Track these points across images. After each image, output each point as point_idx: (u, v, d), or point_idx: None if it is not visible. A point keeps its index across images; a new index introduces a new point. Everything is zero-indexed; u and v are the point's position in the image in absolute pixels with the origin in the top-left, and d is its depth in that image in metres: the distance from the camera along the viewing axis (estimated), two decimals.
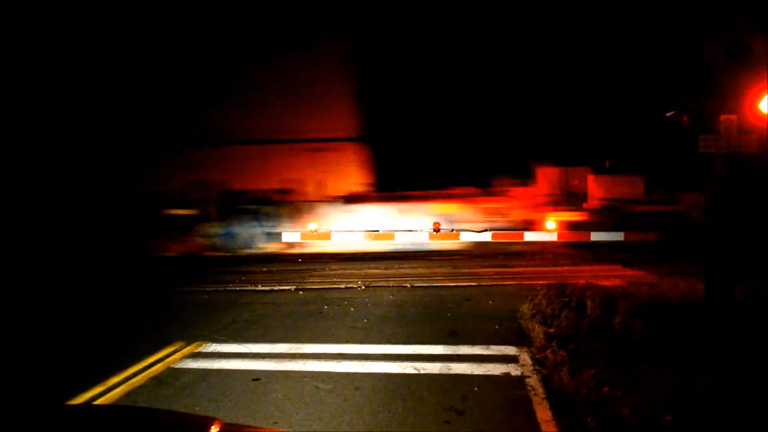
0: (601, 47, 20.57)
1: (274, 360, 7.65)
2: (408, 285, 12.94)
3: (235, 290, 13.16)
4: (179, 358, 7.92)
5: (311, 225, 15.71)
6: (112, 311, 11.55)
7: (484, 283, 12.85)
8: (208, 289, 13.29)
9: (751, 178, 9.83)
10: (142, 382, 7.01)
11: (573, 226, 15.33)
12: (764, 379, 6.02)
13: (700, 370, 6.37)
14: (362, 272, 15.27)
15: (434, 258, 17.50)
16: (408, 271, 15.33)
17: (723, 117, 8.94)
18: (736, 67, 8.94)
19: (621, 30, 19.94)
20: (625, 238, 13.97)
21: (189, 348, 8.36)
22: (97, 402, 6.36)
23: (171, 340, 8.74)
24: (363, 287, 12.88)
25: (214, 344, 8.53)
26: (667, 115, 9.85)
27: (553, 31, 21.20)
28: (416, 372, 6.93)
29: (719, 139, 8.94)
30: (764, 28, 8.95)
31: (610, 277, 12.91)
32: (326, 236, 15.73)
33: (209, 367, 7.45)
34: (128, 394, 6.60)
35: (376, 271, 15.51)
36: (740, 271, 9.85)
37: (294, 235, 15.79)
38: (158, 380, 7.06)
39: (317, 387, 6.53)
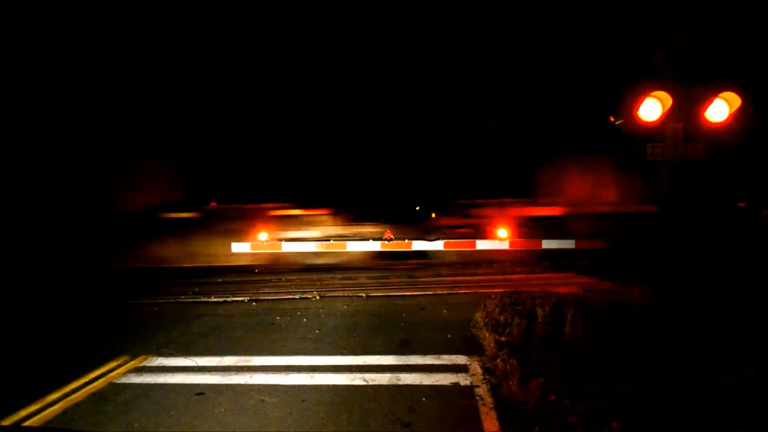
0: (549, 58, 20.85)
1: (221, 373, 7.45)
2: (363, 294, 12.81)
3: (187, 302, 12.85)
4: (122, 372, 7.67)
5: (261, 235, 15.45)
6: (56, 324, 11.15)
7: (440, 292, 12.80)
8: (159, 300, 12.95)
9: (697, 186, 10.00)
10: (81, 398, 6.76)
11: (524, 234, 15.44)
12: (714, 384, 6.07)
13: (649, 376, 6.39)
14: (319, 282, 15.10)
15: (390, 268, 17.41)
16: (363, 280, 15.21)
17: (670, 125, 9.07)
18: (681, 76, 9.10)
19: (573, 36, 20.24)
20: (576, 245, 14.07)
21: (133, 362, 8.11)
22: (31, 421, 6.12)
23: (115, 354, 8.48)
24: (318, 297, 12.71)
25: (160, 358, 8.29)
26: (614, 121, 9.96)
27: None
28: (365, 383, 6.82)
29: (666, 146, 9.07)
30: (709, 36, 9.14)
31: (564, 284, 12.97)
32: (277, 246, 15.47)
33: (153, 382, 7.23)
34: (65, 412, 6.36)
35: (332, 280, 15.35)
36: (690, 277, 10.01)
37: (244, 246, 15.49)
38: (98, 396, 6.81)
39: (263, 400, 6.38)
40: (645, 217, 15.57)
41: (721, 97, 8.73)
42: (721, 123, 8.79)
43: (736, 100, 8.66)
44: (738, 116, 8.72)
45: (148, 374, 7.57)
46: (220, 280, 16.13)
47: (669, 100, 8.84)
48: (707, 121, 8.85)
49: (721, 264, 12.25)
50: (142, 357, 8.33)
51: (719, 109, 8.77)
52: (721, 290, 10.36)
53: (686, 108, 8.98)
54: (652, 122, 8.99)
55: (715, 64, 8.98)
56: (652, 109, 8.93)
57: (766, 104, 10.17)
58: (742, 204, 13.21)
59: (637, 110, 8.94)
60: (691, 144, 8.98)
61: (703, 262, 11.72)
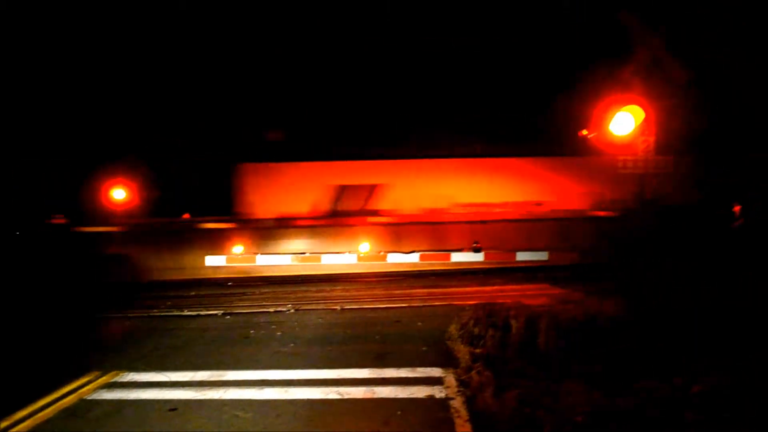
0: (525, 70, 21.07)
1: (194, 388, 7.37)
2: (338, 307, 12.78)
3: (160, 316, 12.71)
4: (93, 388, 7.56)
5: (236, 248, 15.36)
6: (25, 339, 10.94)
7: (414, 304, 12.82)
8: (131, 314, 12.80)
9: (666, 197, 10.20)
10: (51, 415, 6.65)
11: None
12: (680, 395, 6.15)
13: (620, 387, 6.46)
14: (292, 295, 15.03)
15: (366, 280, 17.41)
16: (338, 293, 15.17)
17: (642, 139, 9.24)
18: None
19: (550, 47, 20.49)
20: (549, 257, 14.23)
21: (105, 378, 7.99)
22: None
23: (87, 369, 8.34)
24: (292, 310, 12.65)
25: (132, 373, 8.17)
26: (583, 132, 10.13)
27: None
28: (340, 397, 6.80)
29: (637, 160, 9.23)
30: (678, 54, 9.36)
31: (538, 296, 13.05)
32: (251, 259, 15.40)
33: (125, 398, 7.13)
34: (35, 429, 6.23)
35: (306, 293, 15.29)
36: (660, 287, 10.16)
37: (219, 259, 15.38)
38: (69, 413, 6.70)
39: (237, 415, 6.32)
40: (614, 224, 15.82)
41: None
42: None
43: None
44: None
45: (120, 390, 7.46)
46: (193, 293, 15.98)
47: (642, 114, 9.01)
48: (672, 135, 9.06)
49: (689, 266, 12.44)
50: (114, 372, 8.21)
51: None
52: (692, 294, 10.53)
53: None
54: (623, 136, 9.17)
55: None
56: (624, 123, 9.09)
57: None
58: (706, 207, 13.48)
59: (609, 124, 9.11)
60: (661, 157, 9.16)
61: (670, 267, 11.89)
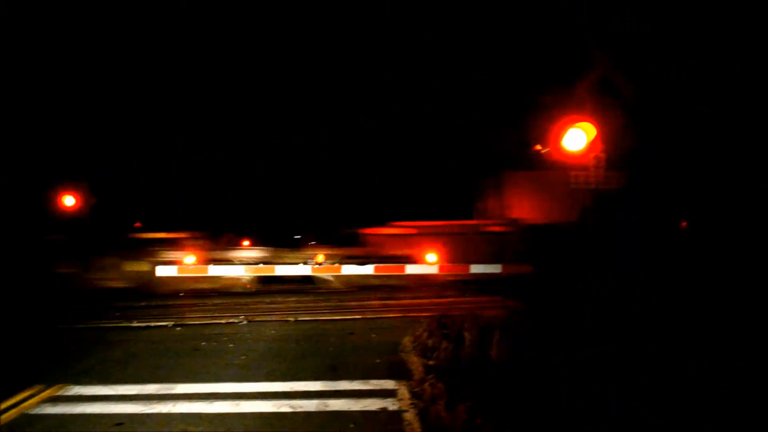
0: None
1: (142, 402, 7.18)
2: (292, 319, 12.68)
3: (108, 327, 12.39)
4: (36, 402, 7.29)
5: (188, 258, 15.12)
6: None
7: (369, 316, 12.82)
8: (78, 325, 12.44)
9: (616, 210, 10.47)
10: None
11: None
12: (625, 401, 6.28)
13: (569, 396, 6.56)
14: (246, 306, 14.86)
15: (320, 291, 17.31)
16: (292, 304, 15.07)
17: (592, 154, 9.45)
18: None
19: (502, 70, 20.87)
20: (503, 270, 14.43)
21: (49, 391, 7.72)
22: None
23: (29, 382, 8.03)
24: (245, 322, 12.50)
25: (77, 387, 7.93)
26: (536, 148, 10.32)
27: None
28: (292, 410, 6.72)
29: (588, 175, 9.43)
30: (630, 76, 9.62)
31: (492, 308, 13.17)
32: (203, 270, 15.17)
33: (69, 412, 6.89)
34: None
35: (260, 305, 15.14)
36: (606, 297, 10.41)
37: (170, 269, 15.09)
38: (10, 429, 6.45)
39: (185, 430, 6.19)
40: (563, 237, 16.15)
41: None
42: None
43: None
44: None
45: (64, 404, 7.22)
46: (143, 303, 15.64)
47: (593, 131, 9.21)
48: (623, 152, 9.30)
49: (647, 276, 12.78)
50: (58, 386, 7.94)
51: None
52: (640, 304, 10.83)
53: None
54: (576, 152, 9.34)
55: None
56: (576, 139, 9.28)
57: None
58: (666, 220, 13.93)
59: (562, 140, 9.28)
60: (612, 172, 9.37)
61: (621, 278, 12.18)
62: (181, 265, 15.11)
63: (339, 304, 15.04)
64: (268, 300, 15.91)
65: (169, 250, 17.09)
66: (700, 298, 10.86)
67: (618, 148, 9.37)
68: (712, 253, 12.90)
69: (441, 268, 14.02)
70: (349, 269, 14.49)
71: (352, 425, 6.19)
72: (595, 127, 9.20)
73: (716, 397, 6.39)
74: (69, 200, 18.65)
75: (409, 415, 6.47)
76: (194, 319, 13.01)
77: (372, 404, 6.87)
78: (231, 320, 12.71)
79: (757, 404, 6.12)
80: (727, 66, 16.58)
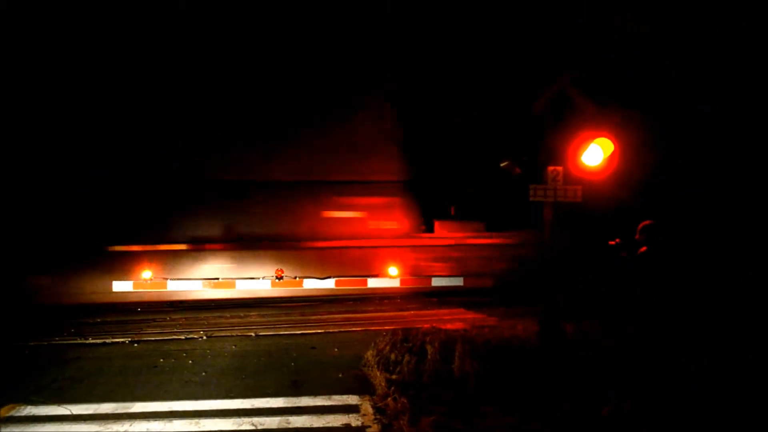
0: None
1: (98, 422, 7.00)
2: (253, 334, 12.51)
3: (62, 344, 12.03)
4: None
5: (145, 273, 14.80)
6: None
7: (331, 330, 12.72)
8: (29, 342, 12.05)
9: (577, 224, 10.62)
10: None
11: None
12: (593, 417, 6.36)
13: (532, 410, 6.60)
14: (205, 321, 14.61)
15: (281, 305, 17.12)
16: (254, 319, 14.87)
17: (550, 168, 9.58)
18: (561, 122, 9.69)
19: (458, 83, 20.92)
20: (465, 283, 14.51)
21: (0, 411, 7.46)
22: None
23: None
24: (205, 337, 12.28)
25: (29, 407, 7.68)
26: (501, 164, 10.42)
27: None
28: (253, 428, 6.61)
29: (547, 189, 9.56)
30: (587, 89, 9.78)
31: (454, 320, 13.21)
32: (162, 285, 14.86)
33: None
34: None
35: (220, 320, 14.89)
36: (571, 311, 10.55)
37: (126, 285, 14.73)
38: None
39: None
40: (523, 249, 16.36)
41: (596, 143, 9.34)
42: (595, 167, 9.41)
43: (609, 146, 9.30)
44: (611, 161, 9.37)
45: (16, 425, 6.98)
46: (99, 319, 15.25)
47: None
48: (583, 164, 9.45)
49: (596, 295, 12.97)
50: (10, 406, 7.68)
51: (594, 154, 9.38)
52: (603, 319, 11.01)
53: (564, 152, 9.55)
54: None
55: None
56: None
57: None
58: (612, 242, 14.19)
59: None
60: (570, 186, 9.51)
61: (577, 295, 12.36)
62: (136, 280, 14.75)
63: (301, 318, 14.90)
64: (228, 314, 15.66)
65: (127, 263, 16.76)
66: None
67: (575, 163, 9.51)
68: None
69: (403, 281, 14.02)
70: (311, 283, 14.36)
71: None
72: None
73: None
74: None
75: (373, 431, 6.43)
76: (152, 335, 12.70)
77: (335, 420, 6.81)
78: (190, 336, 12.46)
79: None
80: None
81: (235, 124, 18.77)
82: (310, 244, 17.68)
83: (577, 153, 9.45)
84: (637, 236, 12.98)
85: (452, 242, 17.96)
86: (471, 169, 19.82)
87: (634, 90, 16.85)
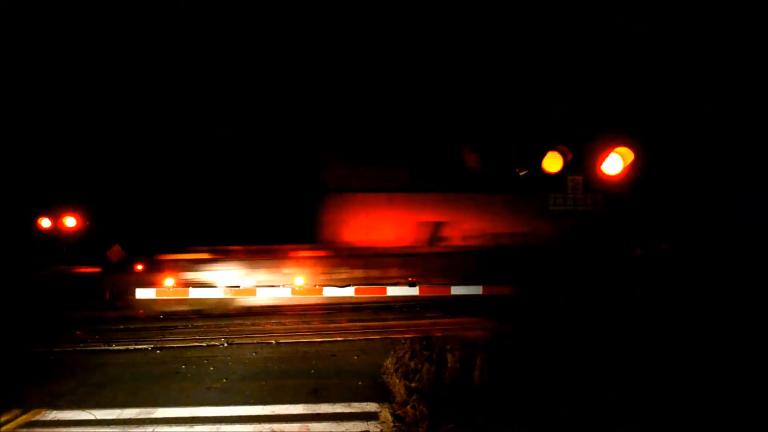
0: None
1: (120, 427, 7.10)
2: (273, 341, 12.58)
3: (86, 350, 12.21)
4: (13, 428, 7.20)
5: (168, 281, 14.93)
6: None
7: (351, 338, 12.75)
8: (55, 348, 12.23)
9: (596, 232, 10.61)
10: None
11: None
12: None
13: (553, 420, 6.57)
14: (226, 328, 14.71)
15: (301, 313, 17.19)
16: (274, 326, 14.95)
17: (570, 177, 9.56)
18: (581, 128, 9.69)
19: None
20: (483, 291, 14.45)
21: (25, 416, 7.62)
22: None
23: (6, 407, 7.93)
24: (226, 344, 12.38)
25: (54, 411, 7.82)
26: (519, 172, 10.43)
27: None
28: None
29: (566, 197, 9.54)
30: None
31: (474, 329, 13.19)
32: (184, 293, 14.97)
33: None
34: None
35: (241, 326, 14.99)
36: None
37: (149, 292, 14.86)
38: None
39: None
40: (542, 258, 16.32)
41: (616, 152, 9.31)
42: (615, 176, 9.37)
43: (629, 155, 9.26)
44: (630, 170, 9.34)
45: (42, 429, 7.14)
46: (122, 326, 15.43)
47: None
48: (603, 173, 9.41)
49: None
50: (35, 410, 7.83)
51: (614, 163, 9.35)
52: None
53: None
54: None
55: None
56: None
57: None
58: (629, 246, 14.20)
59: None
60: (590, 195, 9.48)
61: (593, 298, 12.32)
62: (160, 288, 14.88)
63: (320, 325, 14.96)
64: (249, 322, 15.76)
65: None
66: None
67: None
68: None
69: (422, 289, 14.00)
70: (331, 291, 14.38)
71: None
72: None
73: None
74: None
75: None
76: (174, 342, 12.84)
77: (354, 427, 6.84)
78: (212, 343, 12.57)
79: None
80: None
81: None
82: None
83: (597, 162, 9.42)
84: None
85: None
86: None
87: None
